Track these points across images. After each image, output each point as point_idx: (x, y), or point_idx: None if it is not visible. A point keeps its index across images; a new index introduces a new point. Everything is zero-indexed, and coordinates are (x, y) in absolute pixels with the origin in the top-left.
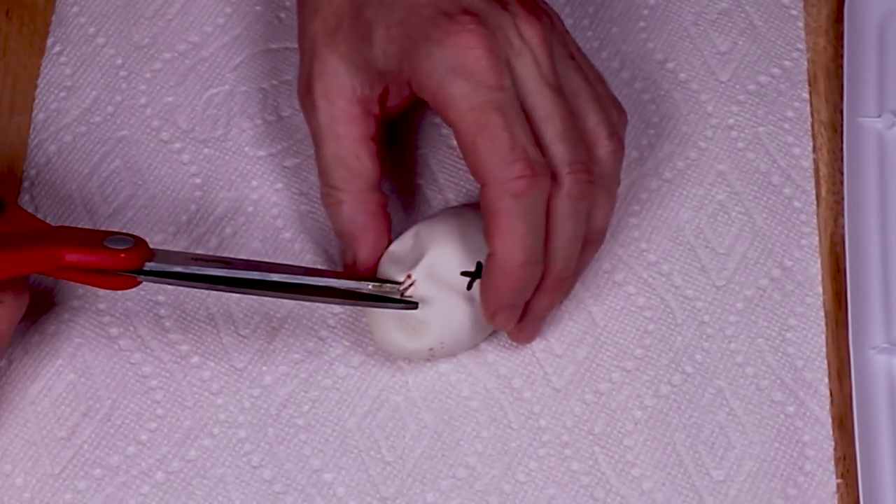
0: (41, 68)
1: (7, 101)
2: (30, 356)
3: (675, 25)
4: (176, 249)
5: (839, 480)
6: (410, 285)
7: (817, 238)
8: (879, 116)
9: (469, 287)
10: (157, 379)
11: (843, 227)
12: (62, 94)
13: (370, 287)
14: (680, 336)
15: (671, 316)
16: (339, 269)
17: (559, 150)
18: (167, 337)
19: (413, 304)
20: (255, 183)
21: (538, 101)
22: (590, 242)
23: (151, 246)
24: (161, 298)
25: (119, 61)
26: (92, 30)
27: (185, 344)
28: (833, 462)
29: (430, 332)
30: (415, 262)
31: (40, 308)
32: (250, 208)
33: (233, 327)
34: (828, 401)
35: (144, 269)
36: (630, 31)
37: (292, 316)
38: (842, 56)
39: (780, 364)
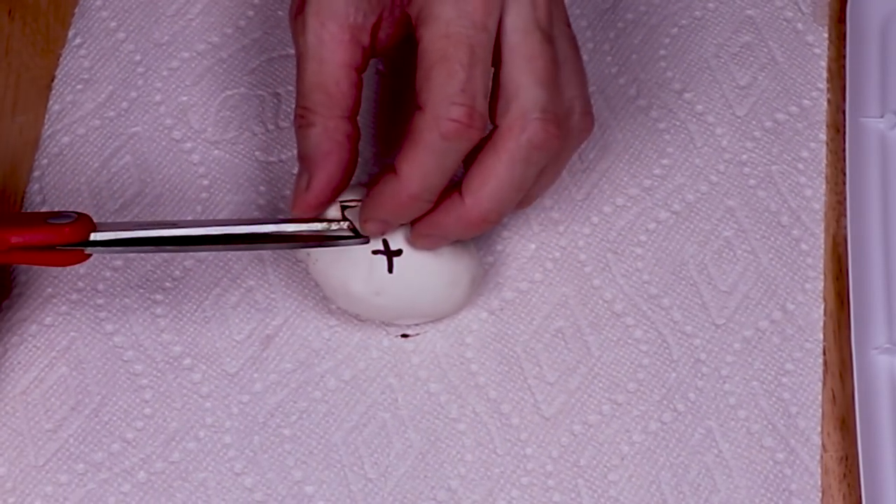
0: (60, 59)
1: (10, 101)
2: (25, 346)
3: (695, 56)
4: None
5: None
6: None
7: (822, 283)
8: (882, 117)
9: (390, 269)
10: (148, 378)
11: (845, 228)
12: (79, 87)
13: (317, 226)
14: (674, 372)
15: (667, 351)
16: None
17: (534, 94)
18: (161, 337)
19: (364, 239)
20: (262, 188)
21: (525, 41)
22: (518, 204)
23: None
24: (159, 297)
25: (137, 57)
26: (113, 24)
27: (178, 345)
28: None
29: (394, 288)
30: None
31: (37, 299)
32: (256, 213)
33: (227, 332)
34: (819, 450)
35: (91, 240)
36: (650, 59)
37: (288, 324)
38: (844, 56)
39: (774, 409)
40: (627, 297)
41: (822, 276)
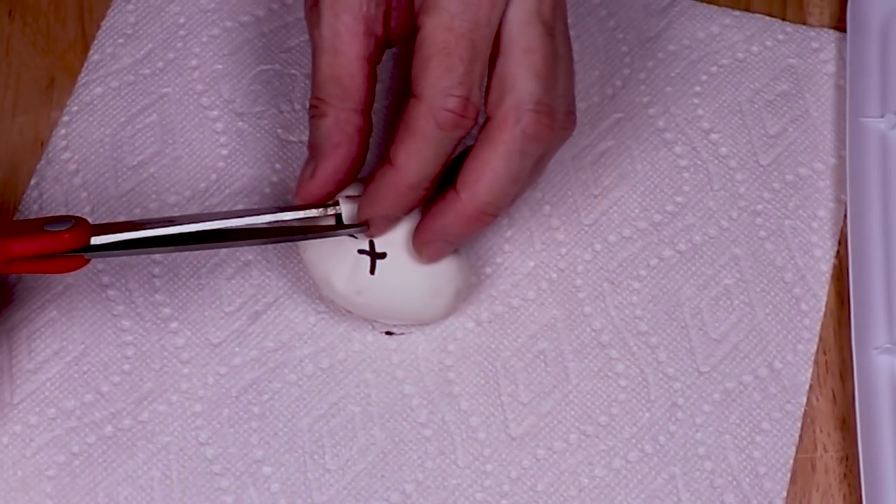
0: (108, 10)
1: (10, 102)
2: (20, 286)
3: (729, 98)
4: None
5: None
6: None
7: (815, 346)
8: (882, 117)
9: (372, 271)
10: (133, 335)
11: (846, 228)
12: (120, 41)
13: (314, 212)
14: (649, 413)
15: (646, 390)
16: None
17: (531, 86)
18: (154, 297)
19: (358, 228)
20: (278, 166)
21: (526, 32)
22: None
23: (127, 216)
24: (158, 258)
25: (182, 20)
26: None
27: (168, 307)
28: None
29: (375, 289)
30: None
31: None
32: (267, 189)
33: (218, 302)
34: None
35: (91, 244)
36: (683, 94)
37: (277, 304)
38: (844, 57)
39: (742, 466)
40: (616, 330)
41: (816, 339)
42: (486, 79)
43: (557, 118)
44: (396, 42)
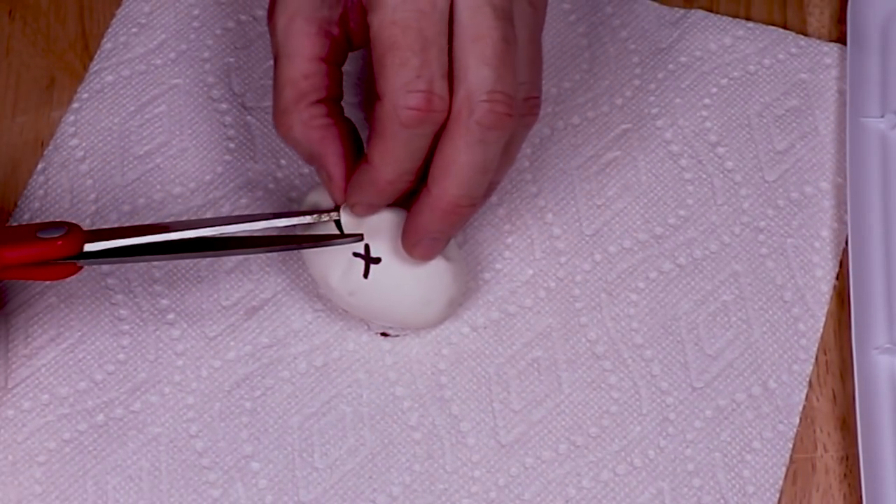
0: (124, 0)
1: (10, 102)
2: None
3: (738, 111)
4: (110, 226)
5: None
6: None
7: (811, 367)
8: (882, 117)
9: (366, 275)
10: (130, 324)
11: (846, 228)
12: (133, 30)
13: (308, 219)
14: (640, 426)
15: (638, 403)
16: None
17: (482, 75)
18: (153, 287)
19: (358, 237)
20: (283, 161)
21: (475, 18)
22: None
23: (123, 219)
24: None
25: (196, 12)
26: None
27: (166, 298)
28: None
29: (367, 293)
30: None
31: None
32: (271, 185)
33: (216, 295)
34: None
35: (84, 251)
36: (692, 106)
37: (275, 300)
38: (844, 56)
39: (731, 484)
40: (611, 341)
41: (812, 359)
42: (446, 66)
43: (515, 105)
44: (360, 44)
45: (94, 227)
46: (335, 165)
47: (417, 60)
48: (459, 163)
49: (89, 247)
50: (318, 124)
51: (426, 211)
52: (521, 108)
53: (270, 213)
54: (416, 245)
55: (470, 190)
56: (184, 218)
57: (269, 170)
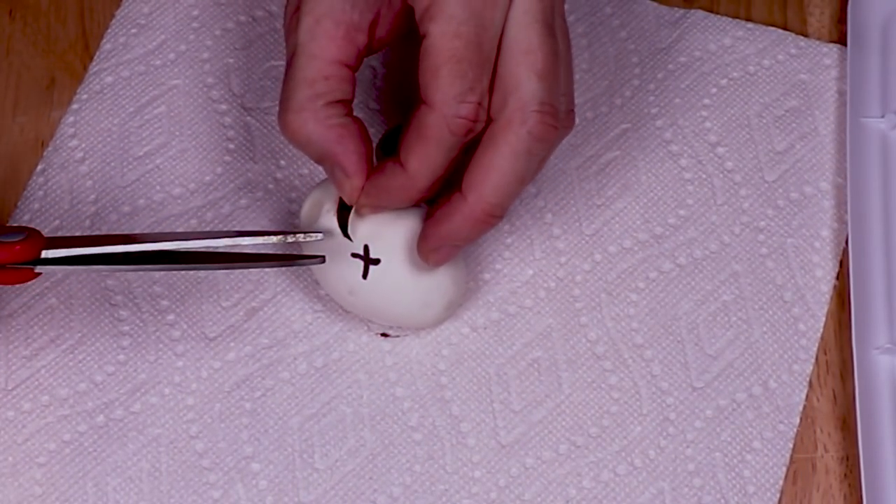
0: (123, 0)
1: (10, 102)
2: None
3: (738, 111)
4: (73, 234)
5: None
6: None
7: (811, 367)
8: (882, 117)
9: (365, 275)
10: (130, 325)
11: (846, 228)
12: (133, 31)
13: (274, 240)
14: (640, 426)
15: (638, 403)
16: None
17: (533, 87)
18: (152, 289)
19: (320, 259)
20: (283, 162)
21: (526, 34)
22: None
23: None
24: None
25: (195, 12)
26: None
27: (166, 299)
28: None
29: (366, 293)
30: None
31: (42, 230)
32: (271, 185)
33: (216, 296)
34: None
35: (41, 258)
36: (692, 107)
37: (275, 301)
38: (844, 57)
39: (731, 484)
40: (611, 341)
41: (813, 359)
42: (490, 81)
43: (560, 117)
44: (380, 48)
45: (91, 229)
46: (355, 164)
47: (473, 74)
48: (503, 171)
49: (47, 253)
50: (336, 123)
51: (457, 217)
52: (564, 120)
53: (234, 232)
54: (434, 251)
55: (505, 199)
56: (183, 219)
57: (269, 170)
